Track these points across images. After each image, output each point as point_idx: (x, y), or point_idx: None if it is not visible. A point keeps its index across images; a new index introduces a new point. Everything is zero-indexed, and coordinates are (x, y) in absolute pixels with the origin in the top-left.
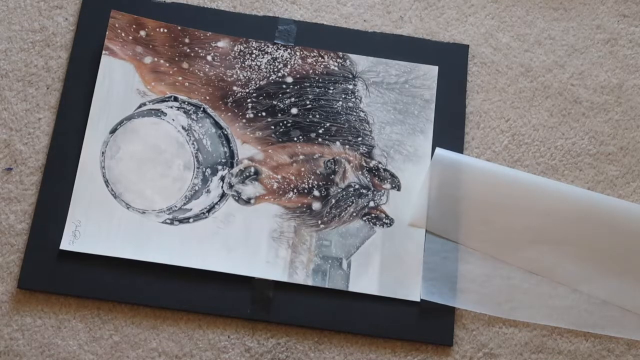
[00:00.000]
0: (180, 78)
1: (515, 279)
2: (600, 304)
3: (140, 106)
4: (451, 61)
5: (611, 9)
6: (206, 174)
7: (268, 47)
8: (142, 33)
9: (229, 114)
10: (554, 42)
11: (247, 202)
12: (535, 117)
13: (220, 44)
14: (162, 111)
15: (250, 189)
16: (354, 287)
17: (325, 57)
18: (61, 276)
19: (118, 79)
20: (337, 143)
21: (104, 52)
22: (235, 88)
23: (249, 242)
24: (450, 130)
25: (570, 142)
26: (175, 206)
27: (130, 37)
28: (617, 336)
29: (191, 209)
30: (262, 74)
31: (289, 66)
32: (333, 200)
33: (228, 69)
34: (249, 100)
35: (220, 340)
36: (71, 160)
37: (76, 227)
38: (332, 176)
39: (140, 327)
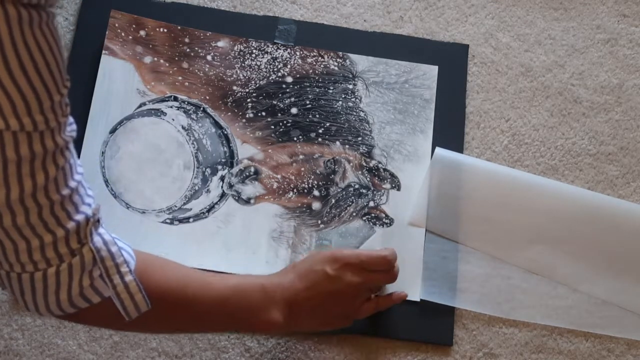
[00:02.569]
0: (180, 78)
1: (515, 279)
2: (600, 304)
3: (140, 106)
4: (451, 61)
5: (611, 9)
6: (206, 173)
7: (268, 46)
8: (142, 33)
9: (229, 113)
10: (554, 42)
11: (247, 201)
12: (535, 117)
13: (220, 43)
14: (162, 111)
15: (250, 189)
16: None
17: (325, 57)
18: None
19: (118, 79)
20: (337, 143)
21: (103, 51)
22: (235, 88)
23: (248, 242)
24: (450, 130)
25: (570, 142)
26: (175, 206)
27: (130, 37)
28: (617, 336)
29: (191, 209)
30: (262, 74)
31: (288, 66)
32: (333, 200)
33: (228, 68)
34: (248, 100)
35: (220, 340)
36: None
37: None
38: (332, 176)
39: None
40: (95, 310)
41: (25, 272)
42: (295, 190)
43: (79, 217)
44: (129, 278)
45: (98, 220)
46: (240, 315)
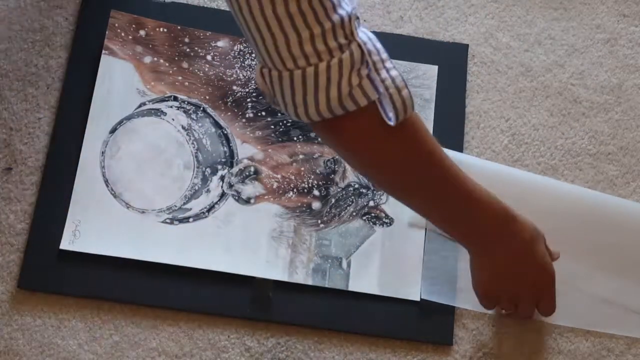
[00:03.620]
0: (180, 78)
1: None
2: (600, 302)
3: (140, 106)
4: (451, 61)
5: (611, 8)
6: (206, 173)
7: None
8: (142, 33)
9: (229, 113)
10: (554, 42)
11: (247, 201)
12: (535, 117)
13: (220, 43)
14: (161, 111)
15: (250, 189)
16: (354, 286)
17: None
18: (61, 276)
19: (118, 79)
20: None
21: (103, 51)
22: (235, 87)
23: (248, 241)
24: (450, 130)
25: (570, 142)
26: (175, 206)
27: (130, 37)
28: (617, 334)
29: (191, 209)
30: None
31: None
32: (333, 200)
33: (228, 68)
34: (248, 99)
35: (220, 340)
36: (71, 160)
37: (76, 227)
38: (332, 175)
39: (140, 326)
40: (358, 116)
41: (298, 69)
42: (295, 190)
43: (343, 12)
44: (394, 73)
45: (358, 18)
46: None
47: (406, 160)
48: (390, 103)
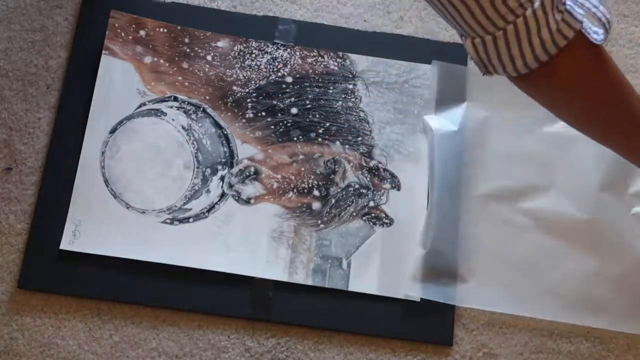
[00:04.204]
0: (180, 78)
1: (518, 275)
2: (607, 298)
3: (140, 106)
4: (451, 61)
5: (611, 9)
6: (206, 173)
7: (268, 47)
8: (142, 33)
9: (229, 113)
10: None
11: (247, 201)
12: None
13: (220, 43)
14: (162, 111)
15: (250, 189)
16: (354, 286)
17: (325, 56)
18: (61, 276)
19: (118, 79)
20: (337, 143)
21: (103, 51)
22: (235, 88)
23: (248, 241)
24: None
25: None
26: (175, 206)
27: (130, 37)
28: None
29: (191, 209)
30: (261, 74)
31: (288, 66)
32: (333, 200)
33: (228, 68)
34: (248, 100)
35: (220, 340)
36: (71, 160)
37: (76, 227)
38: (332, 176)
39: (140, 327)
40: (570, 48)
41: (508, 24)
42: (295, 190)
43: None
44: None
45: None
46: None
47: (616, 81)
48: (596, 20)
